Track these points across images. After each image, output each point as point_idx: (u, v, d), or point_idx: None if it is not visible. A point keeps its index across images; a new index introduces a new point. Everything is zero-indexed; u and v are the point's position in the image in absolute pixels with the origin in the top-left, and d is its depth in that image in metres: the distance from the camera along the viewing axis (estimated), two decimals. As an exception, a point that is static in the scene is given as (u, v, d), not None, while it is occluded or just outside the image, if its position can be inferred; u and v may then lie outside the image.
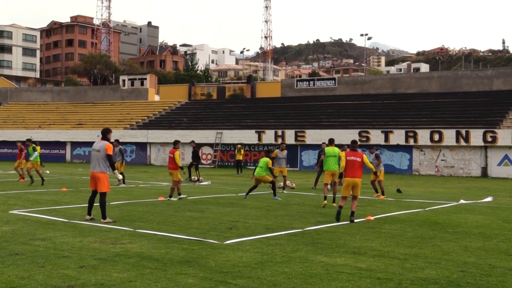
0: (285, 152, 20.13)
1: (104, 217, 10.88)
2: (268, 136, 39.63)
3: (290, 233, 9.94)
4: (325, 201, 14.68)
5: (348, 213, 11.83)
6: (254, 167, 22.34)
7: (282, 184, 19.77)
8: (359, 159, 11.88)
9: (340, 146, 36.58)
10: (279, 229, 10.32)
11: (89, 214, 11.19)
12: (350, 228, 10.70)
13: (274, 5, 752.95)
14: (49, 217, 11.54)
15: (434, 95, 43.49)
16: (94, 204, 11.25)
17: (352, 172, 11.82)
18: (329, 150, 15.72)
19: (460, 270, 7.13)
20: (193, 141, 26.91)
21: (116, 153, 20.61)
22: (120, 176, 12.26)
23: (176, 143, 16.70)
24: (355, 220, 11.65)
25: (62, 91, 62.36)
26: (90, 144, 35.79)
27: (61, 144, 47.33)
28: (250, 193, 16.68)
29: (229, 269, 6.95)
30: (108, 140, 11.21)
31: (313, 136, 37.97)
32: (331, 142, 16.04)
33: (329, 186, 16.02)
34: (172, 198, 15.78)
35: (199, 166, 26.33)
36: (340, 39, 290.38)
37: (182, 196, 16.12)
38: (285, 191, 19.17)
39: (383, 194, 17.58)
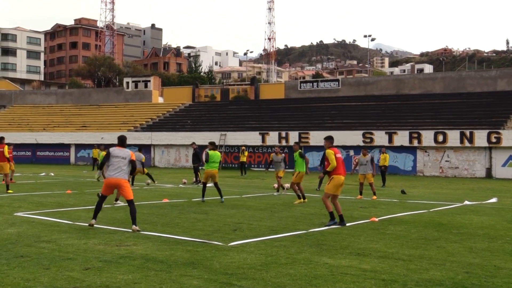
0: (281, 155, 19.65)
1: (135, 223, 10.35)
2: (272, 138, 39.63)
3: (294, 234, 9.94)
4: (302, 200, 15.76)
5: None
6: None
7: (277, 185, 19.67)
8: (341, 156, 11.59)
9: (345, 148, 36.87)
10: (283, 231, 10.31)
11: (95, 218, 10.56)
12: (354, 229, 10.69)
13: (277, 7, 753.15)
14: (54, 219, 11.57)
15: (438, 96, 43.42)
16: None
17: (343, 170, 11.31)
18: (297, 154, 16.76)
19: (465, 271, 7.12)
20: (193, 143, 26.73)
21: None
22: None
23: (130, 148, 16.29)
24: (360, 222, 11.64)
25: (66, 93, 62.58)
26: (94, 146, 35.90)
27: (65, 147, 47.47)
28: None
29: (234, 270, 6.96)
30: (125, 147, 10.86)
31: (317, 137, 37.93)
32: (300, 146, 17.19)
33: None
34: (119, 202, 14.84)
35: (200, 168, 26.17)
36: (344, 41, 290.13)
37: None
38: (275, 194, 18.99)
39: (374, 194, 18.08)
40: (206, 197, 16.10)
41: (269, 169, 22.68)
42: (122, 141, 10.87)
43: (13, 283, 6.24)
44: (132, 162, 10.65)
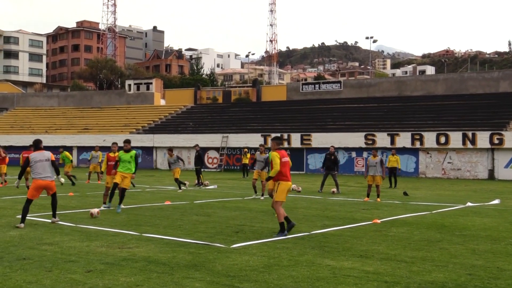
0: (264, 155, 18.42)
1: (55, 215, 11.50)
2: (274, 140, 39.56)
3: (296, 236, 9.92)
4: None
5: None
6: (252, 168, 21.21)
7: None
8: (288, 160, 10.43)
9: (347, 150, 36.84)
10: (285, 233, 10.29)
11: (23, 222, 10.84)
12: (356, 231, 10.68)
13: (279, 8, 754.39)
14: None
15: (440, 97, 43.36)
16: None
17: (289, 175, 10.23)
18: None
19: (467, 273, 7.10)
20: (197, 145, 26.80)
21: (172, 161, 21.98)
22: (63, 180, 12.90)
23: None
24: (362, 223, 11.63)
25: (68, 96, 62.64)
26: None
27: (67, 149, 47.33)
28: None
29: (236, 273, 6.95)
30: (41, 149, 11.42)
31: (319, 139, 37.93)
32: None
33: None
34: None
35: (202, 170, 26.14)
36: (346, 42, 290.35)
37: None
38: (262, 198, 17.79)
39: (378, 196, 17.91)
40: (209, 199, 16.07)
41: (253, 169, 19.81)
42: (36, 145, 11.42)
43: (16, 286, 6.24)
44: (53, 163, 11.28)
